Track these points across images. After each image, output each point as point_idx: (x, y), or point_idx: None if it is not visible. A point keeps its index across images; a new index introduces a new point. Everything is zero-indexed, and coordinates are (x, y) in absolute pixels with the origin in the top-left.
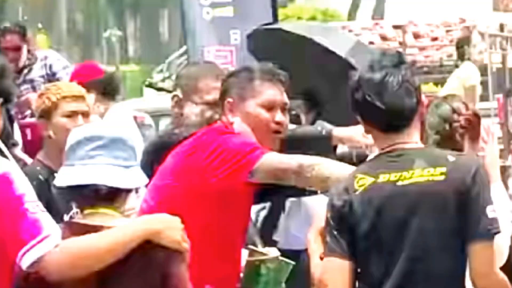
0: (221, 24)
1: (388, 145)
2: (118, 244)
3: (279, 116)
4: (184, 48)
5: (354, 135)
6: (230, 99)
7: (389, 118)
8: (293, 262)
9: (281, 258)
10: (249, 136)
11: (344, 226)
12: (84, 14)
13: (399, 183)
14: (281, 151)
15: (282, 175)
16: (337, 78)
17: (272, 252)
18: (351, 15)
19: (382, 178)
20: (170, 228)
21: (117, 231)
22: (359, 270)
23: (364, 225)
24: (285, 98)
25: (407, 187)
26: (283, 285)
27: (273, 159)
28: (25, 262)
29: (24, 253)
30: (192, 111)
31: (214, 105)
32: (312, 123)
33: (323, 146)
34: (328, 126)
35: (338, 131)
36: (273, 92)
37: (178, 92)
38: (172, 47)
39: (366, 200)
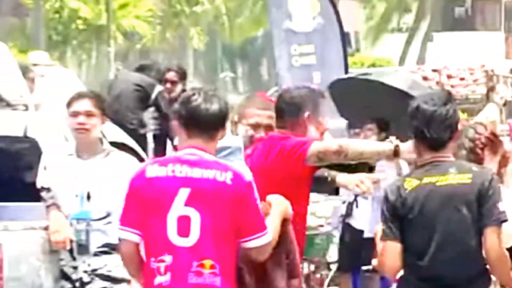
0: (306, 68)
1: (431, 157)
2: (278, 226)
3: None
4: (276, 87)
5: (349, 183)
6: (307, 113)
7: (433, 142)
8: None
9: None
10: (306, 137)
11: (396, 216)
12: (205, 60)
13: (437, 184)
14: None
15: (325, 156)
16: (400, 106)
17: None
18: (401, 62)
19: (425, 180)
20: (285, 204)
21: (274, 217)
22: (406, 245)
23: (412, 214)
24: None
25: (443, 187)
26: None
27: (317, 145)
28: (249, 244)
29: (252, 239)
30: (240, 130)
31: (256, 127)
32: (383, 140)
33: (327, 188)
34: (333, 173)
35: (340, 179)
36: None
37: (235, 116)
38: (271, 85)
39: (413, 196)
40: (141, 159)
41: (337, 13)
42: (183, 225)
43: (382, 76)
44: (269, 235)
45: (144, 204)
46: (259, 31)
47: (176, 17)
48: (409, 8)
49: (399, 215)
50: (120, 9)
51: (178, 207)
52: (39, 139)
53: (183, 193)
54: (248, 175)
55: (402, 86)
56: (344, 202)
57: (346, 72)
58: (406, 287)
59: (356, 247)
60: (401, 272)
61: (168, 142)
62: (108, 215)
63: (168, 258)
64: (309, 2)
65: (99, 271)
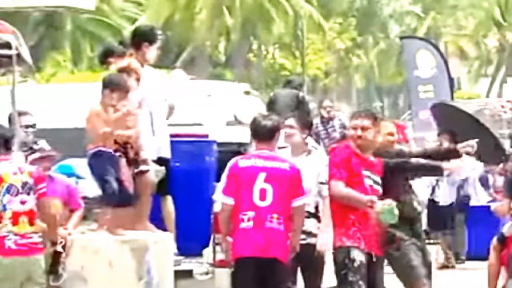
0: (427, 100)
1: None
2: None
3: None
4: (409, 111)
5: (453, 168)
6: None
7: None
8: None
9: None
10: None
11: None
12: (364, 95)
13: None
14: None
15: None
16: (470, 127)
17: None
18: (487, 96)
19: None
20: None
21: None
22: None
23: None
24: None
25: None
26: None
27: None
28: (294, 203)
29: (296, 200)
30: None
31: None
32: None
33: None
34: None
35: (446, 165)
36: None
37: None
38: (405, 111)
39: None
40: None
41: (446, 65)
42: (262, 194)
43: (459, 104)
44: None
45: (238, 182)
46: (399, 76)
47: (345, 68)
48: (491, 61)
49: None
50: (309, 62)
51: (259, 183)
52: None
53: (262, 175)
54: (296, 164)
55: (469, 111)
56: (428, 186)
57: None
58: None
59: (438, 215)
60: None
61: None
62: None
63: (251, 213)
64: (429, 59)
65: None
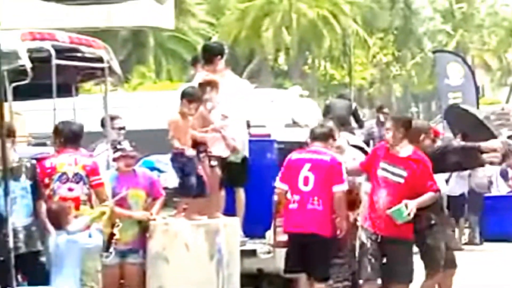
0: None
1: None
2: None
3: None
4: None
5: (490, 146)
6: None
7: None
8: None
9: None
10: None
11: None
12: (402, 101)
13: None
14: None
15: None
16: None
17: None
18: (506, 102)
19: None
20: None
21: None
22: None
23: None
24: None
25: None
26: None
27: None
28: (334, 189)
29: (335, 185)
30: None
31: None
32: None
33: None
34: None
35: (484, 144)
36: None
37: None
38: (437, 115)
39: None
40: (366, 152)
41: (473, 75)
42: (306, 180)
43: (471, 108)
44: (344, 185)
45: (290, 171)
46: (431, 85)
47: (386, 78)
48: (511, 72)
49: None
50: (355, 73)
51: (304, 172)
52: None
53: (307, 165)
54: (339, 158)
55: (479, 116)
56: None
57: (477, 107)
58: None
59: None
60: None
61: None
62: None
63: (296, 197)
64: (458, 70)
65: None
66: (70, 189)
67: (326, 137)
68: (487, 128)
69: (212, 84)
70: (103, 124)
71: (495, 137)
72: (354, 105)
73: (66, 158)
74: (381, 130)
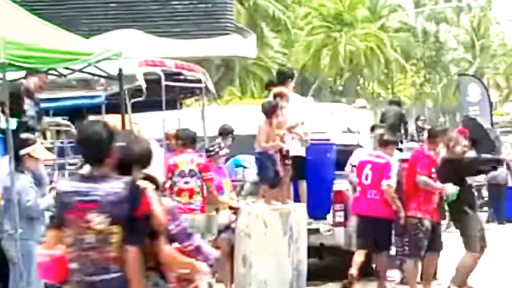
0: (475, 117)
1: None
2: None
3: None
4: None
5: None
6: None
7: None
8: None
9: None
10: None
11: None
12: (432, 112)
13: None
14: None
15: None
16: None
17: None
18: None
19: None
20: None
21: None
22: None
23: None
24: None
25: None
26: None
27: None
28: (383, 183)
29: (384, 179)
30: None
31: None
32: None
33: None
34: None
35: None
36: None
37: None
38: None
39: None
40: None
41: (488, 93)
42: (366, 177)
43: (479, 118)
44: (390, 181)
45: (359, 170)
46: (455, 101)
47: (420, 95)
48: None
49: None
50: (397, 92)
51: (366, 170)
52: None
53: (368, 165)
54: (391, 160)
55: (485, 125)
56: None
57: (491, 118)
58: None
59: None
60: None
61: None
62: None
63: (359, 188)
64: (476, 89)
65: None
66: (186, 182)
67: (386, 144)
68: (489, 137)
69: (282, 95)
70: (221, 132)
71: (493, 142)
72: (403, 112)
73: (185, 157)
74: (419, 135)
